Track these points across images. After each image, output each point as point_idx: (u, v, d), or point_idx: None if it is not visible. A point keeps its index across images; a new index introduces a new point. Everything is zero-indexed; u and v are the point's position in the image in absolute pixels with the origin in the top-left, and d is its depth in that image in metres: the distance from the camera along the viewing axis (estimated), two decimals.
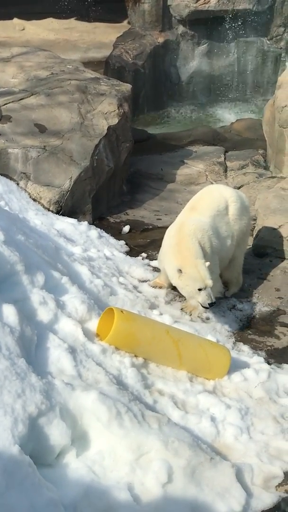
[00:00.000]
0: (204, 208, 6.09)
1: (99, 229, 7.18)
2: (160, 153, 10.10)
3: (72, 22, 14.83)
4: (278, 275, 6.92)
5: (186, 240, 5.75)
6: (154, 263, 6.72)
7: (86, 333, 4.76)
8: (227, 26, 13.47)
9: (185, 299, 6.14)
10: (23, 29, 14.53)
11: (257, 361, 5.39)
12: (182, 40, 13.53)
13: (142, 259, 6.85)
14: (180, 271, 5.59)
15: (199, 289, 5.56)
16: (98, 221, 7.65)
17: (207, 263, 5.62)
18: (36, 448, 3.69)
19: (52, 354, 4.37)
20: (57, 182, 7.31)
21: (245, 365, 5.28)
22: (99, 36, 14.38)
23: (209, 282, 5.57)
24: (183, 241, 5.76)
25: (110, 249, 6.78)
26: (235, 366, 5.19)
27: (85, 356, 4.51)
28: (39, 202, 7.17)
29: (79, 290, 5.19)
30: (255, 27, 13.64)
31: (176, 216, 6.31)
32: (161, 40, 13.31)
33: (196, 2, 12.94)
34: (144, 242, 7.30)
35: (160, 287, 6.31)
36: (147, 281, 6.42)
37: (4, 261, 4.68)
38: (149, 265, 6.76)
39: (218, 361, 5.08)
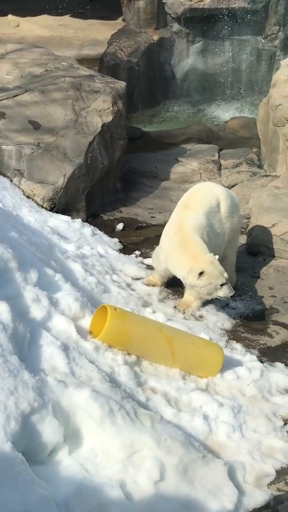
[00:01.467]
0: (197, 206, 6.09)
1: (92, 227, 7.18)
2: (154, 151, 10.09)
3: (67, 19, 14.78)
4: (271, 273, 6.93)
5: (190, 238, 5.78)
6: (147, 261, 6.72)
7: (79, 331, 4.76)
8: (222, 24, 13.45)
9: (179, 297, 6.15)
10: (18, 26, 14.48)
11: (250, 359, 5.40)
12: (177, 38, 13.50)
13: (136, 257, 6.85)
14: (202, 273, 5.59)
15: (221, 285, 5.62)
16: (92, 218, 7.65)
17: (217, 256, 5.66)
18: (28, 446, 3.69)
19: (45, 351, 4.37)
20: (51, 179, 7.30)
21: (238, 363, 5.29)
22: (94, 33, 14.34)
23: (226, 275, 5.66)
24: (187, 239, 5.78)
25: (104, 246, 6.77)
26: (228, 364, 5.20)
27: (78, 353, 4.51)
28: (32, 199, 7.16)
29: (72, 287, 5.19)
30: (250, 26, 13.62)
31: (170, 214, 6.31)
32: (155, 37, 13.28)
33: (191, 0, 12.92)
34: (138, 240, 7.30)
35: (154, 285, 6.31)
36: (141, 279, 6.42)
37: None
38: (142, 263, 6.76)
39: (211, 359, 5.08)
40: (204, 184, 7.13)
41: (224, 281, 5.66)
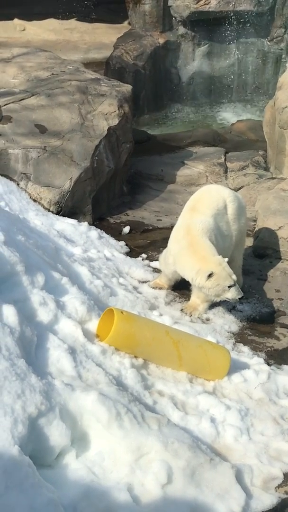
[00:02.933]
0: (204, 208, 6.10)
1: (99, 230, 7.18)
2: (160, 154, 10.11)
3: (73, 22, 14.81)
4: (278, 276, 6.92)
5: (198, 241, 5.79)
6: (154, 264, 6.72)
7: (86, 334, 4.76)
8: (227, 27, 13.46)
9: (186, 300, 6.15)
10: (24, 30, 14.52)
11: (257, 362, 5.39)
12: (183, 41, 13.52)
13: (142, 260, 6.85)
14: (211, 275, 5.60)
15: (229, 286, 5.64)
16: (98, 221, 7.65)
17: (226, 259, 5.68)
18: (35, 449, 3.69)
19: (52, 354, 4.37)
20: (57, 182, 7.32)
21: (245, 366, 5.28)
22: (100, 37, 14.37)
23: (235, 277, 5.69)
24: (195, 242, 5.80)
25: (110, 249, 6.78)
26: (235, 367, 5.19)
27: (85, 356, 4.51)
28: (39, 203, 7.17)
29: (79, 290, 5.19)
30: (256, 28, 13.64)
31: (177, 217, 6.31)
32: (161, 41, 13.31)
33: (197, 3, 12.93)
34: (144, 243, 7.30)
35: (160, 288, 6.31)
36: (147, 282, 6.42)
37: (4, 262, 4.68)
38: (149, 266, 6.76)
39: (218, 362, 5.07)
40: (211, 186, 7.13)
41: (232, 283, 5.67)
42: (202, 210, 6.08)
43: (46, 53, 9.93)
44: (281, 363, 5.53)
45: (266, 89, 13.84)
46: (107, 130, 8.04)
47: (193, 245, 5.78)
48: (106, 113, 8.23)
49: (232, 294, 5.71)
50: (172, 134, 11.52)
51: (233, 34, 13.58)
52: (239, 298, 5.77)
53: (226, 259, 5.72)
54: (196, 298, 6.08)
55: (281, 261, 7.14)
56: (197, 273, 5.71)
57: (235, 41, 13.70)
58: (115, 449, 3.90)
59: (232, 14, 13.23)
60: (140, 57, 12.82)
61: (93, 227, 7.20)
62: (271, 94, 11.57)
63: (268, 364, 5.43)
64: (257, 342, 5.84)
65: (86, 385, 4.20)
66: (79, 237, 6.79)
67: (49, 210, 7.15)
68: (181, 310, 6.06)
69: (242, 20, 13.39)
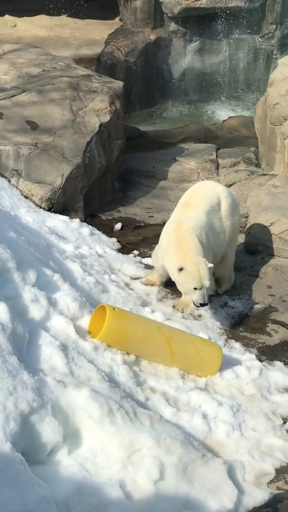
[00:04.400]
0: (198, 204, 6.11)
1: (91, 227, 7.18)
2: (152, 151, 10.10)
3: (64, 19, 14.77)
4: (270, 272, 6.93)
5: (186, 237, 5.77)
6: (146, 260, 6.73)
7: (78, 331, 4.76)
8: (219, 24, 13.46)
9: (178, 297, 6.16)
10: (15, 26, 14.47)
11: (248, 358, 5.41)
12: (174, 37, 13.52)
13: (134, 256, 6.85)
14: (181, 269, 5.59)
15: (195, 288, 5.57)
16: (90, 218, 7.65)
17: (210, 265, 5.63)
18: (28, 446, 3.69)
19: (44, 351, 4.37)
20: (49, 179, 7.30)
21: (237, 362, 5.29)
22: (91, 33, 14.33)
23: (206, 283, 5.58)
24: (183, 238, 5.78)
25: (102, 246, 6.78)
26: (227, 363, 5.20)
27: (77, 353, 4.51)
28: (30, 199, 7.15)
29: (71, 287, 5.19)
30: (247, 25, 13.64)
31: (168, 214, 6.32)
32: (153, 37, 13.30)
33: None
34: (136, 239, 7.30)
35: (152, 285, 6.31)
36: (139, 278, 6.42)
37: None
38: (141, 262, 6.76)
39: (210, 358, 5.08)
40: (205, 182, 7.14)
41: (199, 287, 5.59)
42: (195, 206, 6.09)
43: (37, 49, 9.92)
44: (272, 359, 5.55)
45: (257, 85, 13.85)
46: (99, 126, 8.03)
47: (180, 240, 5.77)
48: (97, 110, 8.22)
49: (196, 297, 5.62)
50: (163, 130, 11.52)
51: (224, 30, 13.58)
52: (200, 304, 5.65)
53: (211, 265, 5.66)
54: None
55: (273, 257, 7.15)
56: (174, 267, 5.69)
57: (226, 37, 13.70)
58: (107, 445, 3.90)
59: (223, 10, 13.23)
60: (131, 54, 12.81)
61: (84, 224, 7.20)
62: (262, 91, 11.58)
63: (260, 360, 5.44)
64: (249, 338, 5.86)
65: (78, 382, 4.20)
66: (71, 234, 6.78)
67: (40, 207, 7.14)
68: (173, 306, 6.07)
69: (233, 16, 13.39)
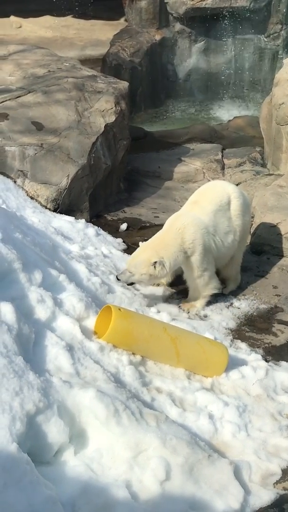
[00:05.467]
0: (206, 203, 6.12)
1: (96, 227, 7.17)
2: (157, 151, 10.09)
3: (69, 19, 14.80)
4: (276, 272, 6.92)
5: (170, 234, 5.87)
6: None
7: (84, 331, 4.76)
8: (224, 24, 13.46)
9: (183, 297, 6.17)
10: (20, 27, 14.50)
11: (254, 358, 5.40)
12: (179, 38, 13.52)
13: None
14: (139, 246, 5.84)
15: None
16: (96, 219, 7.65)
17: (162, 267, 5.72)
18: (34, 446, 3.69)
19: (49, 352, 4.37)
20: (55, 180, 7.31)
21: (243, 363, 5.29)
22: (96, 34, 14.35)
23: (127, 265, 5.82)
24: (168, 232, 5.90)
25: (108, 247, 6.78)
26: (233, 363, 5.20)
27: (82, 354, 4.51)
28: (36, 200, 7.16)
29: (76, 288, 5.20)
30: (252, 25, 13.63)
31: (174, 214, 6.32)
32: (158, 37, 13.30)
33: None
34: (142, 239, 7.28)
35: (158, 285, 6.31)
36: None
37: (2, 259, 4.68)
38: None
39: (215, 358, 5.08)
40: (217, 182, 7.19)
41: (124, 267, 5.86)
42: (203, 204, 6.11)
43: (42, 50, 9.93)
44: (278, 360, 5.54)
45: (263, 85, 13.83)
46: (104, 127, 8.03)
47: (164, 233, 5.93)
48: (102, 110, 8.22)
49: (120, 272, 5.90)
50: (169, 130, 11.51)
51: (229, 30, 13.57)
52: (116, 278, 5.84)
53: (168, 263, 5.75)
54: (195, 296, 6.10)
55: (279, 257, 7.14)
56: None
57: (231, 37, 13.69)
58: (113, 446, 3.90)
59: (228, 10, 13.22)
60: (136, 54, 12.81)
61: (90, 224, 7.20)
62: (268, 91, 11.57)
63: (266, 361, 5.44)
64: (255, 338, 5.85)
65: (84, 382, 4.20)
66: (77, 234, 6.78)
67: (46, 208, 7.14)
68: (179, 306, 6.07)
69: (238, 16, 13.39)
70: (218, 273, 6.40)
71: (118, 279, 5.83)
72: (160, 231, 6.04)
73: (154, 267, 5.70)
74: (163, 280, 6.32)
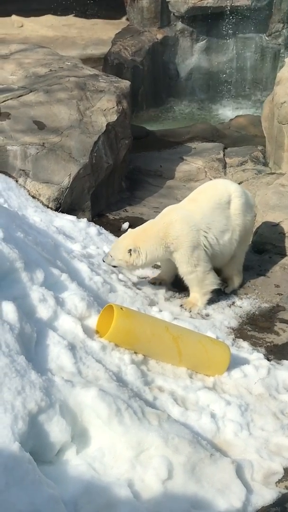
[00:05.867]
0: (203, 200, 6.15)
1: (98, 226, 7.18)
2: (159, 150, 10.10)
3: (71, 18, 14.79)
4: (278, 271, 6.92)
5: (155, 227, 5.98)
6: None
7: (86, 330, 4.76)
8: (225, 22, 13.45)
9: (185, 296, 6.17)
10: (22, 26, 14.49)
11: (256, 357, 5.40)
12: (181, 37, 13.51)
13: None
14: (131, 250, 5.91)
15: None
16: (97, 218, 7.65)
17: (137, 255, 5.89)
18: (36, 445, 3.69)
19: (51, 351, 4.37)
20: (56, 179, 7.31)
21: (245, 362, 5.29)
22: (98, 33, 14.34)
23: (110, 251, 6.06)
24: (154, 224, 6.00)
25: (110, 246, 6.77)
26: (235, 362, 5.20)
27: (84, 353, 4.51)
28: (38, 199, 7.16)
29: (78, 287, 5.20)
30: (254, 23, 13.62)
31: None
32: (159, 36, 13.30)
33: None
34: None
35: (160, 284, 6.32)
36: (147, 278, 6.43)
37: (4, 259, 4.68)
38: None
39: (217, 357, 5.08)
40: (219, 180, 7.20)
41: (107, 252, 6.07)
42: (200, 201, 6.14)
43: (44, 49, 9.93)
44: (280, 358, 5.54)
45: (264, 84, 13.83)
46: (106, 126, 8.03)
47: (150, 223, 6.07)
48: (104, 109, 8.22)
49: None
50: (170, 129, 11.51)
51: (231, 29, 13.56)
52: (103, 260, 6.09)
53: (142, 255, 5.89)
54: (195, 293, 6.10)
55: (281, 256, 7.14)
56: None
57: (233, 36, 13.69)
58: (116, 445, 3.90)
59: (230, 9, 13.22)
60: (138, 53, 12.81)
61: (92, 224, 7.20)
62: (269, 89, 11.56)
63: (268, 359, 5.44)
64: (257, 337, 5.85)
65: (86, 381, 4.20)
66: (78, 234, 6.79)
67: (48, 207, 7.15)
68: (181, 305, 6.07)
69: (240, 15, 13.38)
70: (219, 272, 6.40)
71: (103, 261, 6.10)
72: (151, 220, 6.15)
73: (130, 254, 5.87)
74: (165, 279, 6.33)
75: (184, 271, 6.04)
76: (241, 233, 6.31)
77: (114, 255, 6.00)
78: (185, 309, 6.03)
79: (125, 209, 8.07)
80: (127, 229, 7.44)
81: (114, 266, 6.10)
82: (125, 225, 7.55)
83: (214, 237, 6.08)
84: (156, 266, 6.58)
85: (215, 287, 6.19)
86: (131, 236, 6.03)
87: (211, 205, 6.10)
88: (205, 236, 6.02)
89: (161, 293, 6.22)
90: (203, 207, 6.08)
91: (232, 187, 6.32)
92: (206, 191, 6.30)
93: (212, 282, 6.13)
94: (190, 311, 6.01)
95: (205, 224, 6.03)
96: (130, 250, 5.88)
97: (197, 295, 6.10)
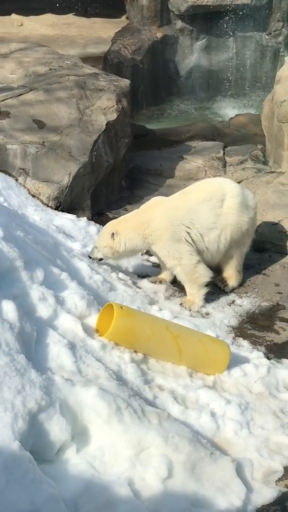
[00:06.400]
0: (193, 195, 6.18)
1: (98, 225, 7.18)
2: (159, 149, 10.09)
3: (71, 17, 14.78)
4: (278, 270, 6.92)
5: (137, 218, 6.10)
6: (153, 258, 6.73)
7: (86, 329, 4.76)
8: (225, 21, 13.43)
9: (185, 295, 6.16)
10: (21, 25, 14.47)
11: (256, 356, 5.40)
12: (181, 35, 13.49)
13: (142, 254, 6.85)
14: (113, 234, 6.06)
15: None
16: (97, 216, 7.65)
17: (120, 239, 6.01)
18: (36, 444, 3.69)
19: (51, 350, 4.37)
20: (56, 178, 7.31)
21: (245, 360, 5.29)
22: (98, 32, 14.32)
23: (95, 242, 6.18)
24: (137, 215, 6.14)
25: None
26: (235, 361, 5.20)
27: (84, 352, 4.52)
28: (38, 198, 7.16)
29: (78, 286, 5.20)
30: (254, 22, 13.60)
31: None
32: (159, 35, 13.28)
33: None
34: None
35: (160, 283, 6.32)
36: (147, 276, 6.43)
37: (4, 257, 4.68)
38: (148, 260, 6.78)
39: (217, 356, 5.08)
40: (216, 179, 7.22)
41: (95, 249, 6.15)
42: (190, 197, 6.19)
43: (44, 48, 9.92)
44: (280, 357, 5.54)
45: (264, 83, 13.81)
46: (106, 125, 8.03)
47: (135, 212, 6.21)
48: (104, 108, 8.22)
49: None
50: (170, 128, 11.50)
51: (231, 28, 13.54)
52: (89, 256, 6.16)
53: (123, 239, 6.02)
54: (190, 290, 6.11)
55: (281, 255, 7.14)
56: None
57: (233, 35, 13.66)
58: (116, 443, 3.91)
59: (230, 7, 13.20)
60: (138, 52, 12.79)
61: (92, 222, 7.20)
62: (269, 88, 11.54)
63: (268, 358, 5.44)
64: (257, 336, 5.85)
65: (86, 380, 4.21)
66: (78, 232, 6.79)
67: (48, 206, 7.15)
68: (181, 304, 6.07)
69: (240, 13, 13.36)
70: (220, 271, 6.42)
71: (90, 257, 6.15)
72: (135, 210, 6.30)
73: (113, 238, 5.99)
74: (165, 277, 6.33)
75: (169, 264, 6.10)
76: (234, 233, 6.24)
77: (98, 244, 6.12)
78: (185, 308, 6.02)
79: (125, 208, 8.06)
80: None
81: (100, 260, 6.17)
82: None
83: (198, 233, 6.06)
84: (156, 265, 6.58)
85: (207, 279, 6.15)
86: (113, 223, 6.19)
87: (199, 202, 6.10)
88: (187, 232, 6.01)
89: (161, 291, 6.22)
90: (190, 203, 6.09)
91: (228, 187, 6.28)
92: (199, 187, 6.32)
93: (201, 274, 6.11)
94: (190, 310, 6.01)
95: (189, 219, 6.03)
96: (113, 234, 6.02)
97: (193, 291, 6.10)
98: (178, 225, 5.98)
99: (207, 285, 6.17)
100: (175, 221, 5.98)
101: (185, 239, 5.99)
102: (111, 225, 6.15)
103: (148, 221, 6.01)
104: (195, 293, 6.10)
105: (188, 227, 6.01)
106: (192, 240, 6.04)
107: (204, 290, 6.14)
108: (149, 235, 5.99)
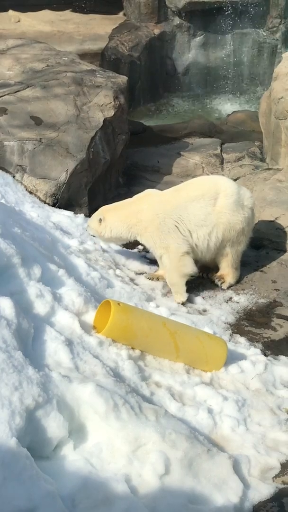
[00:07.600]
0: (185, 191, 6.23)
1: None
2: (156, 145, 10.08)
3: (68, 14, 14.73)
4: (275, 267, 6.93)
5: (127, 208, 6.25)
6: (150, 255, 6.73)
7: (83, 326, 4.77)
8: (223, 18, 13.42)
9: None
10: (19, 21, 14.43)
11: (253, 352, 5.41)
12: (178, 32, 13.47)
13: (139, 251, 6.86)
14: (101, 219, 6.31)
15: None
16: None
17: (106, 225, 6.25)
18: (33, 441, 3.70)
19: (49, 346, 4.37)
20: (53, 174, 7.30)
21: (242, 357, 5.30)
22: (95, 28, 14.28)
23: (88, 223, 6.51)
24: (128, 206, 6.28)
25: None
26: (232, 358, 5.21)
27: (82, 348, 4.52)
28: (35, 195, 7.15)
29: (75, 282, 5.20)
30: (251, 19, 13.58)
31: None
32: (157, 31, 13.26)
33: None
34: None
35: (157, 279, 6.32)
36: (144, 273, 6.43)
37: (1, 254, 4.68)
38: (145, 257, 6.78)
39: (215, 353, 5.09)
40: (212, 176, 7.25)
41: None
42: (181, 193, 6.23)
43: (41, 44, 9.90)
44: (277, 354, 5.55)
45: (261, 79, 13.79)
46: (103, 121, 8.02)
47: (125, 201, 6.36)
48: (101, 105, 8.21)
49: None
50: (168, 125, 11.48)
51: (228, 24, 13.52)
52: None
53: (111, 225, 6.24)
54: (170, 280, 6.18)
55: (278, 251, 7.14)
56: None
57: (230, 31, 13.64)
58: (113, 440, 3.91)
59: (227, 4, 13.18)
60: (135, 48, 12.77)
61: (89, 219, 7.19)
62: (267, 85, 11.55)
63: (265, 355, 5.45)
64: (254, 333, 5.86)
65: (83, 377, 4.21)
66: (76, 229, 6.79)
67: (45, 202, 7.14)
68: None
69: (237, 10, 13.35)
70: (216, 266, 6.43)
71: (86, 230, 6.65)
72: (127, 199, 6.45)
73: (100, 223, 6.26)
74: (162, 274, 6.33)
75: (157, 253, 6.21)
76: (226, 232, 6.23)
77: (89, 223, 6.49)
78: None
79: None
80: None
81: (94, 236, 6.54)
82: None
83: (186, 229, 6.07)
84: (153, 262, 6.58)
85: (191, 272, 6.14)
86: (104, 208, 6.42)
87: (190, 199, 6.12)
88: (176, 226, 6.02)
89: (158, 288, 6.22)
90: (180, 199, 6.13)
91: (223, 185, 6.26)
92: (192, 184, 6.37)
93: (186, 264, 6.11)
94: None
95: (177, 215, 6.05)
96: (100, 219, 6.27)
97: (173, 281, 6.12)
98: (164, 219, 6.01)
99: (198, 282, 6.20)
100: (161, 215, 6.03)
101: (175, 229, 6.04)
102: (101, 210, 6.40)
103: (135, 212, 6.15)
104: (175, 282, 6.08)
105: (177, 222, 6.04)
106: (182, 235, 6.07)
107: (185, 279, 6.13)
108: (135, 225, 6.15)
